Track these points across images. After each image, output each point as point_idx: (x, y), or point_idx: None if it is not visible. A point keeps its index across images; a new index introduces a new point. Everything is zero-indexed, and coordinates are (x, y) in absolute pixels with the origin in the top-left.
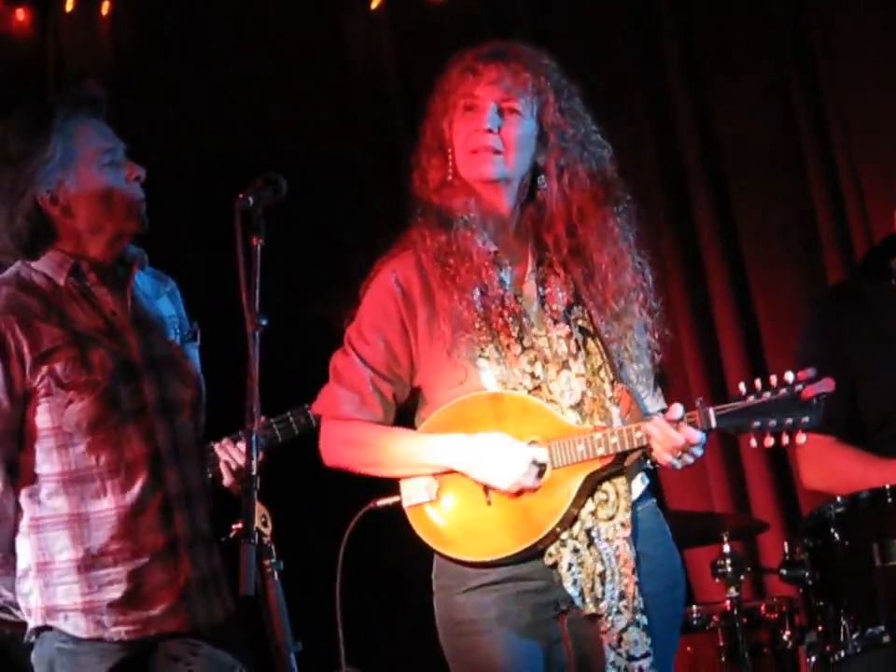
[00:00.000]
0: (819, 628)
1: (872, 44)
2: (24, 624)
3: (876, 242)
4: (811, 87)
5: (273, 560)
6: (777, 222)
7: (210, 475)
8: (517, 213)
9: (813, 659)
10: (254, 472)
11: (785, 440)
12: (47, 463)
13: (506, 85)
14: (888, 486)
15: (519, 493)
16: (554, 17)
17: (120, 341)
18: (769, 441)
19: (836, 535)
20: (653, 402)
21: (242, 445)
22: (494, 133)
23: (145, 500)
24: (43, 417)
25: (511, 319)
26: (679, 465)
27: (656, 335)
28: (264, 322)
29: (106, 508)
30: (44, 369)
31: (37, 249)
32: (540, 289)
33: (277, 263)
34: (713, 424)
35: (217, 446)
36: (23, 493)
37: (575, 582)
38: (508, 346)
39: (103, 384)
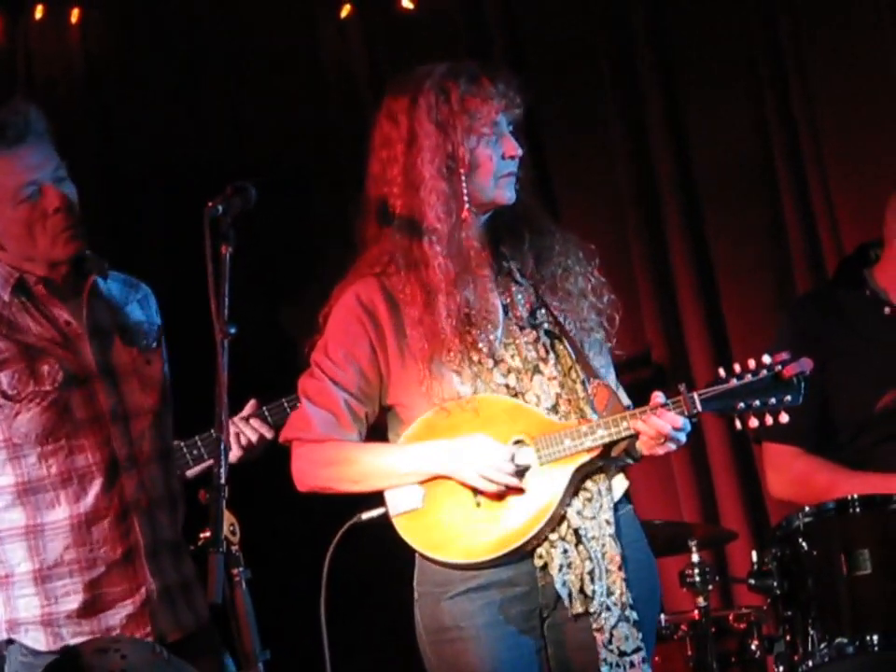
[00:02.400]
0: (787, 638)
1: (845, 61)
2: None
3: (847, 251)
4: (784, 101)
5: (242, 568)
6: (746, 231)
7: (188, 470)
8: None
9: (781, 669)
10: (222, 481)
11: (769, 419)
12: (1, 475)
13: (518, 108)
14: (854, 496)
15: (507, 493)
16: (527, 26)
17: (74, 350)
18: (753, 422)
19: (804, 545)
20: (622, 396)
21: (255, 422)
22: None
23: (99, 509)
24: None
25: (479, 335)
26: (661, 452)
27: (608, 330)
28: (233, 330)
29: (61, 518)
30: None
31: None
32: (503, 299)
33: (249, 269)
34: (699, 408)
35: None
36: None
37: (564, 583)
38: (479, 361)
39: (52, 394)
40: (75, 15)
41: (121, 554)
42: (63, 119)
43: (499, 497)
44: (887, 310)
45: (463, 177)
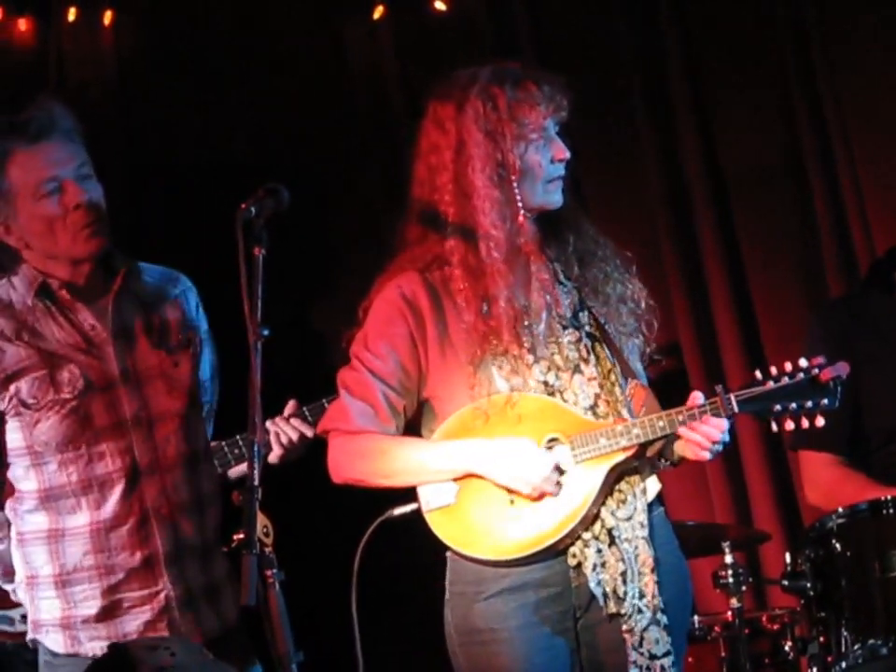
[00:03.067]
0: (821, 639)
1: (875, 62)
2: (23, 634)
3: (879, 253)
4: (814, 103)
5: (275, 570)
6: (778, 234)
7: (230, 469)
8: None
9: (815, 670)
10: (256, 482)
11: (805, 422)
12: (25, 480)
13: (564, 111)
14: (888, 498)
15: (541, 497)
16: (556, 29)
17: (98, 356)
18: (789, 425)
19: (837, 546)
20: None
21: (295, 421)
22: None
23: (119, 516)
24: (15, 437)
25: (522, 330)
26: (710, 456)
27: (646, 335)
28: (266, 332)
29: (81, 524)
30: (11, 388)
31: (5, 269)
32: (548, 297)
33: (279, 273)
34: (735, 409)
35: (269, 422)
36: (8, 507)
37: (599, 583)
38: (520, 357)
39: (71, 402)
40: (107, 17)
41: (140, 561)
42: (95, 121)
43: (534, 499)
44: None
45: (515, 184)
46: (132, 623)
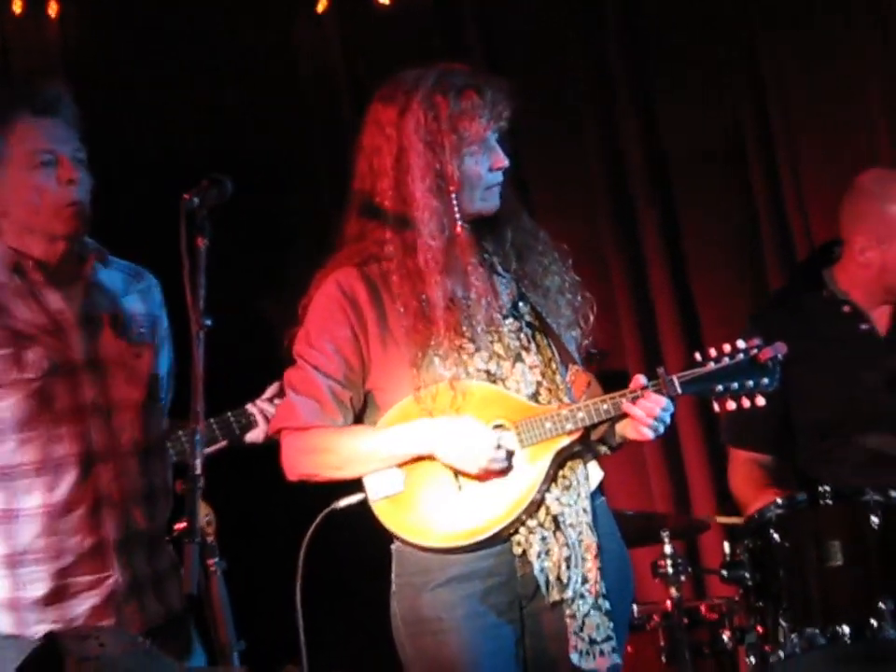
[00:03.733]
0: (759, 629)
1: (818, 62)
2: None
3: (816, 244)
4: (757, 98)
5: (217, 559)
6: (718, 225)
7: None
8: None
9: (752, 659)
10: (198, 472)
11: (745, 402)
12: None
13: (506, 118)
14: (826, 489)
15: (489, 476)
16: (500, 21)
17: (63, 339)
18: (731, 405)
19: (776, 536)
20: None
21: (279, 402)
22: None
23: (72, 500)
24: None
25: (463, 320)
26: (653, 435)
27: (583, 327)
28: (209, 322)
29: (34, 506)
30: None
31: None
32: (485, 288)
33: (224, 262)
34: (679, 390)
35: (250, 405)
36: None
37: (543, 570)
38: (461, 347)
39: (35, 382)
40: (53, 9)
41: (90, 546)
42: None
43: (481, 481)
44: (846, 308)
45: (453, 194)
46: (79, 608)
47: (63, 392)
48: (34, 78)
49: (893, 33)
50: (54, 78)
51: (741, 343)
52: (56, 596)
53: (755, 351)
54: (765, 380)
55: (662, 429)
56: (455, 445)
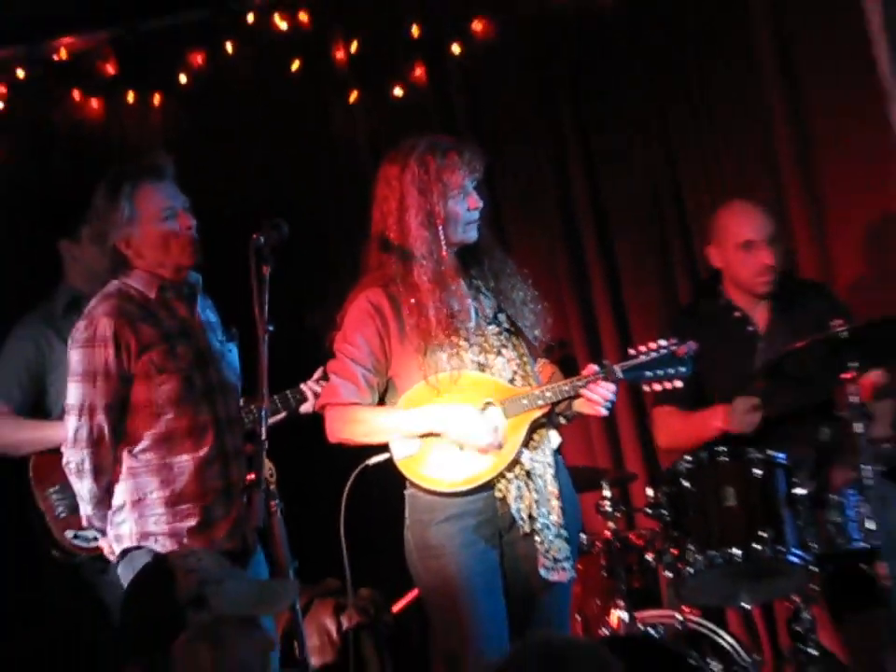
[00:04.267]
0: (673, 551)
1: (716, 122)
2: (96, 549)
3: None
4: (669, 158)
5: (277, 501)
6: (644, 252)
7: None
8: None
9: (669, 574)
10: (263, 437)
11: (668, 385)
12: (144, 427)
13: (479, 172)
14: (722, 448)
15: (485, 452)
16: (481, 106)
17: (193, 338)
18: (657, 387)
19: (686, 483)
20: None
21: (323, 383)
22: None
23: (212, 456)
24: (141, 395)
25: (459, 325)
26: (605, 412)
27: (543, 329)
28: (271, 328)
29: (185, 459)
30: (144, 358)
31: (118, 275)
32: (475, 303)
33: (281, 284)
34: (620, 376)
35: (302, 385)
36: (124, 450)
37: (518, 509)
38: (459, 344)
39: (185, 370)
40: (157, 99)
41: (223, 489)
42: None
43: (488, 442)
44: (737, 314)
45: (440, 227)
46: (218, 534)
47: (199, 377)
48: (147, 154)
49: (798, 90)
50: (161, 152)
51: (663, 342)
52: (203, 525)
53: (674, 347)
54: (682, 369)
55: (610, 406)
56: (461, 430)
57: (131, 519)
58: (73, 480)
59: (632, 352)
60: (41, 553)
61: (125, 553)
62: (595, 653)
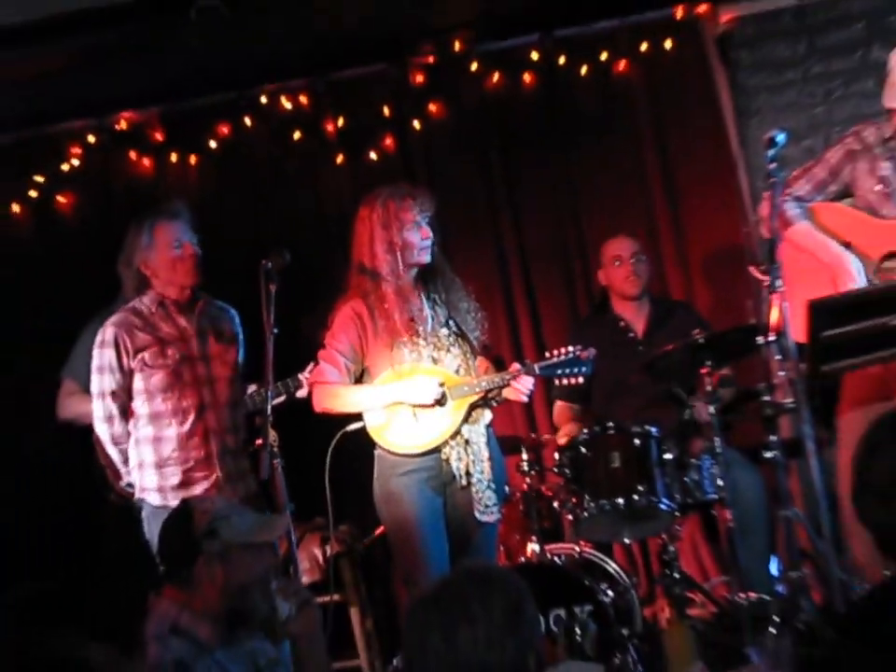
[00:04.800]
0: (574, 500)
1: (545, 183)
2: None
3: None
4: (575, 209)
5: (279, 460)
6: (553, 279)
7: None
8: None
9: (570, 517)
10: (269, 413)
11: (573, 381)
12: (141, 408)
13: (429, 211)
14: (610, 424)
15: (433, 414)
16: (436, 170)
17: (187, 343)
18: (565, 382)
19: (583, 450)
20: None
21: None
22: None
23: (193, 431)
24: (138, 384)
25: (418, 328)
26: (527, 399)
27: (481, 333)
28: (276, 330)
29: (172, 434)
30: (139, 356)
31: (143, 292)
32: (431, 312)
33: (284, 298)
34: (537, 372)
35: (300, 374)
36: (130, 425)
37: (457, 468)
38: (418, 342)
39: (172, 366)
40: (193, 159)
41: (203, 456)
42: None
43: (429, 416)
44: (622, 324)
45: (399, 253)
46: (196, 489)
47: (187, 371)
48: (167, 201)
49: (667, 157)
50: (178, 200)
51: (571, 348)
52: (185, 484)
53: (579, 352)
54: (584, 369)
55: (530, 395)
56: (412, 392)
57: (137, 477)
58: (106, 448)
59: (547, 354)
60: (101, 496)
61: (141, 502)
62: (509, 576)
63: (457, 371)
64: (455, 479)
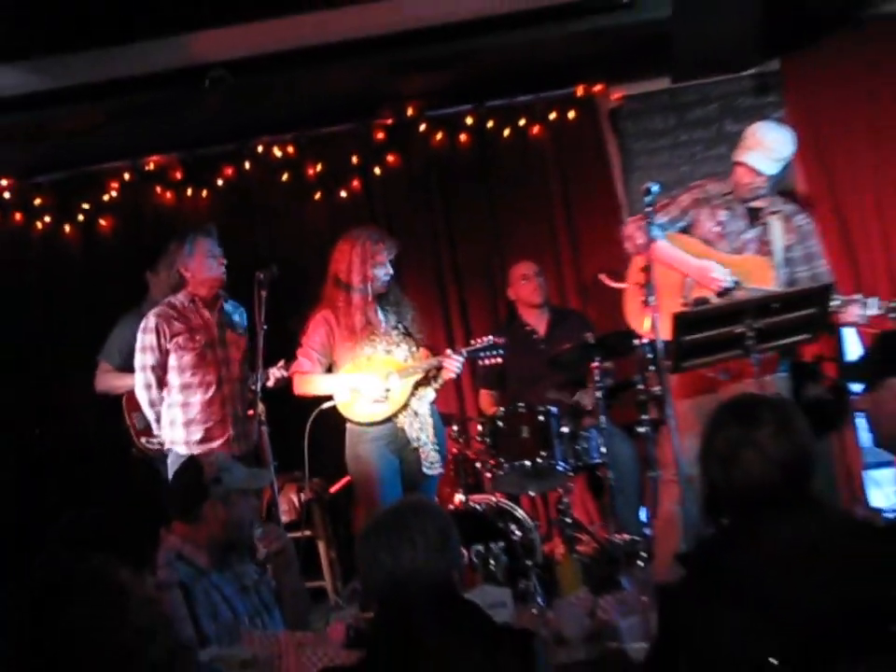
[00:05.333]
0: (492, 462)
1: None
2: (159, 450)
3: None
4: (498, 238)
5: (266, 426)
6: (479, 287)
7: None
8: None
9: (488, 474)
10: (258, 392)
11: (492, 361)
12: (174, 381)
13: (394, 252)
14: (521, 404)
15: (386, 393)
16: (392, 206)
17: (210, 331)
18: (487, 362)
19: (499, 423)
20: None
21: (282, 371)
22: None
23: (213, 399)
24: (173, 362)
25: (375, 330)
26: (454, 374)
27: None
28: (265, 327)
29: (198, 401)
30: (174, 340)
31: (178, 290)
32: (383, 317)
33: (273, 302)
34: (465, 355)
35: (270, 369)
36: (165, 393)
37: (410, 434)
38: (375, 340)
39: (199, 349)
40: (204, 194)
41: (220, 417)
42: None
43: (384, 395)
44: (528, 327)
45: (369, 282)
46: (215, 444)
47: (210, 353)
48: (203, 223)
49: (569, 200)
50: (211, 223)
51: (490, 337)
52: (205, 440)
53: (494, 339)
54: (501, 351)
55: (459, 371)
56: (365, 387)
57: (168, 433)
58: (143, 409)
59: (472, 342)
60: (128, 451)
61: (169, 451)
62: (439, 509)
63: (406, 360)
64: (408, 443)
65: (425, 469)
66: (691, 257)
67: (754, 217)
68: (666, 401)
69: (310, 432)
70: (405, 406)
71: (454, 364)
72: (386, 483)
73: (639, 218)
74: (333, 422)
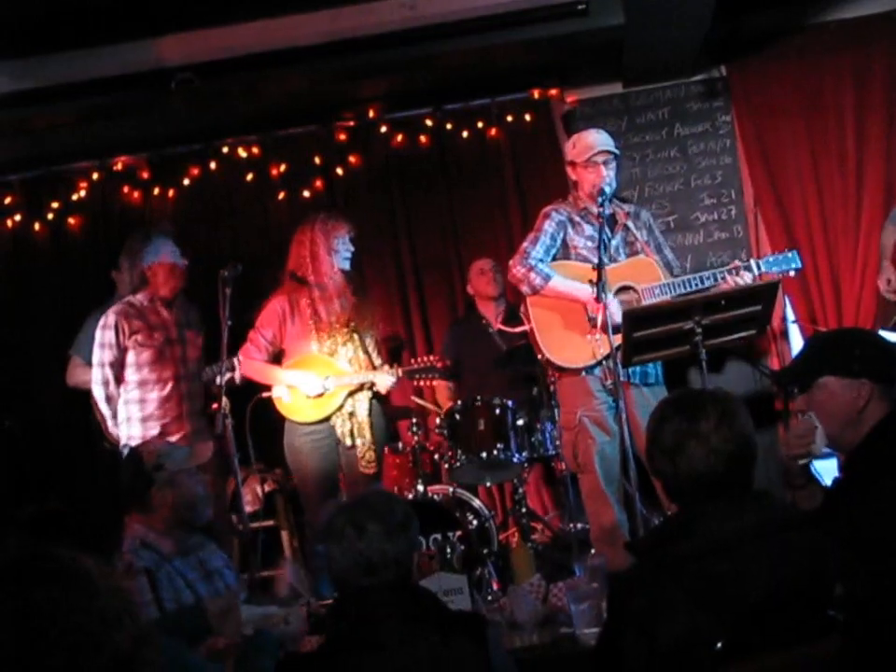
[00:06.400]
0: (450, 453)
1: (432, 219)
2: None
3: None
4: (456, 235)
5: (229, 419)
6: (438, 289)
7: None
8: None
9: (446, 465)
10: (223, 385)
11: (428, 382)
12: (131, 377)
13: (352, 232)
14: (478, 398)
15: (322, 396)
16: (353, 204)
17: (168, 329)
18: (422, 383)
19: (457, 416)
20: (376, 360)
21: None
22: None
23: (170, 395)
24: (131, 358)
25: (323, 325)
26: (382, 392)
27: (374, 335)
28: (230, 322)
29: (155, 397)
30: (132, 337)
31: (139, 289)
32: (336, 315)
33: (235, 298)
34: (400, 375)
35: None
36: (122, 389)
37: (343, 433)
38: (322, 338)
39: (158, 346)
40: (171, 193)
41: (177, 414)
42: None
43: (320, 396)
44: (483, 321)
45: (332, 256)
46: (173, 438)
47: (168, 350)
48: (162, 222)
49: (525, 197)
50: (169, 222)
51: (431, 357)
52: (161, 436)
53: (436, 363)
54: (438, 374)
55: (392, 387)
56: (304, 383)
57: (125, 429)
58: (99, 405)
59: (413, 362)
60: (97, 444)
61: (124, 446)
62: (401, 499)
63: (349, 362)
64: (341, 442)
65: (361, 469)
66: (579, 284)
67: (612, 224)
68: (620, 395)
69: (250, 419)
70: (340, 407)
71: (386, 382)
72: (322, 473)
73: (520, 261)
74: (273, 414)
